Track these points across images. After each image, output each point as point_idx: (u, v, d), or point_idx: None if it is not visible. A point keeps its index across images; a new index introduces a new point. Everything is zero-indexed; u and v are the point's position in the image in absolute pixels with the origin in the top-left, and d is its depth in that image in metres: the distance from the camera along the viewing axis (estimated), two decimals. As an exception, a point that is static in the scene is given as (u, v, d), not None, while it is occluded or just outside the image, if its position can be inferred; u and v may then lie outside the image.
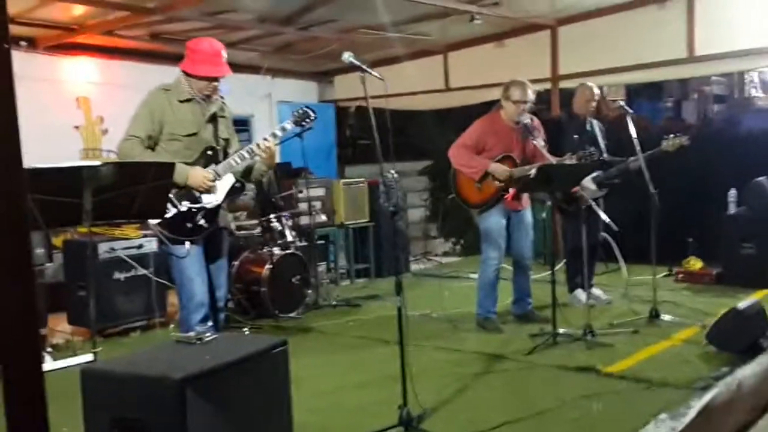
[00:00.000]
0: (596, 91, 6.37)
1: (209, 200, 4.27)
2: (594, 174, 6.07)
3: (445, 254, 10.47)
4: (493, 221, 5.73)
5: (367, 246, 8.61)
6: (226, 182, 4.33)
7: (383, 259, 8.62)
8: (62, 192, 3.10)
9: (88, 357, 3.85)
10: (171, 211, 4.14)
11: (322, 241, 8.15)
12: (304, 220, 7.47)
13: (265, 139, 4.32)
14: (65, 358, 5.22)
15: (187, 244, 4.20)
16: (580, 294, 6.28)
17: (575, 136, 6.19)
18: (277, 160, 9.70)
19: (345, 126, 12.19)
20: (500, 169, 5.59)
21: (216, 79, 4.27)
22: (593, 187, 6.12)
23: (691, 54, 7.93)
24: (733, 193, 7.11)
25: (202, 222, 4.25)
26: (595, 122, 6.50)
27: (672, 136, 5.88)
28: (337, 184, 8.33)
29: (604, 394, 4.09)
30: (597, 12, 8.33)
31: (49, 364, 5.08)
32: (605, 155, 6.28)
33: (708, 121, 11.87)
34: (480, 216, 5.80)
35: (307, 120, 4.54)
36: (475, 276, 7.84)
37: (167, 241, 4.20)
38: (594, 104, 6.38)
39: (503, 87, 5.72)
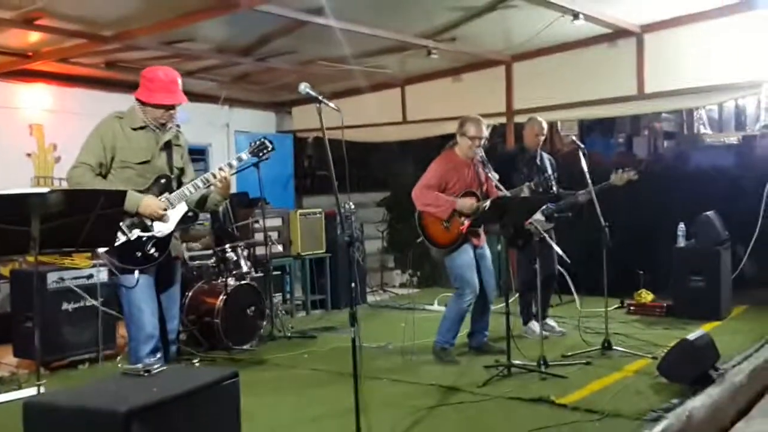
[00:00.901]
0: (544, 125, 6.48)
1: (160, 229, 4.20)
2: (542, 206, 6.17)
3: (402, 286, 10.45)
4: (465, 257, 5.73)
5: (324, 277, 8.56)
6: (179, 211, 4.27)
7: (340, 291, 8.57)
8: (9, 219, 3.04)
9: (33, 391, 3.74)
10: (121, 239, 4.06)
11: (278, 272, 8.09)
12: (260, 251, 7.41)
13: (221, 169, 4.29)
14: (9, 392, 5.07)
15: (137, 273, 4.11)
16: (534, 326, 6.35)
17: (525, 170, 6.31)
18: (234, 190, 9.70)
19: (303, 156, 12.20)
20: (468, 203, 5.62)
21: (172, 107, 4.24)
22: (542, 219, 6.20)
23: (641, 91, 8.16)
24: (682, 227, 7.26)
25: (152, 251, 4.18)
26: (545, 156, 6.62)
27: (621, 170, 6.04)
28: (294, 214, 8.29)
29: (558, 425, 4.11)
30: (550, 49, 8.52)
31: (-8, 398, 4.94)
32: (554, 188, 6.39)
33: (658, 157, 12.20)
34: (449, 255, 5.79)
35: (264, 151, 4.55)
36: (432, 307, 7.91)
37: (116, 270, 4.12)
38: (543, 138, 6.50)
39: (458, 123, 5.79)
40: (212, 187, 4.33)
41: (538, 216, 6.13)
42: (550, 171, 6.48)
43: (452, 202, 5.64)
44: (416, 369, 5.59)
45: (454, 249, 5.73)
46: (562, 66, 8.56)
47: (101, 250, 4.06)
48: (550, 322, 6.56)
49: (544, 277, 6.03)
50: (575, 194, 6.19)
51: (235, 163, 4.42)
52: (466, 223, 5.65)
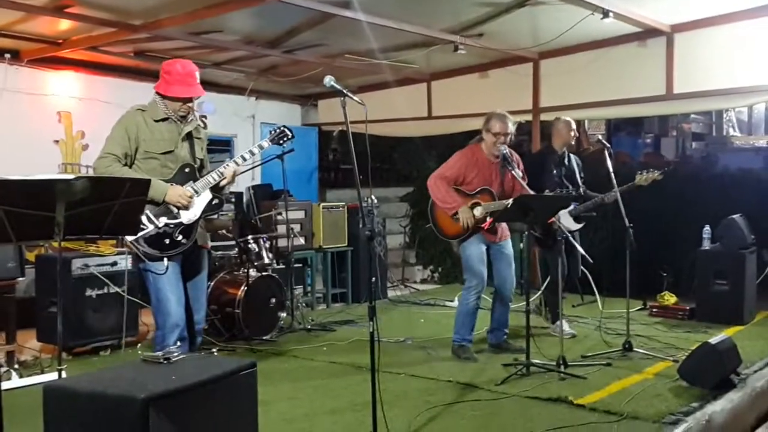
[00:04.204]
0: (573, 125, 6.44)
1: (187, 216, 4.27)
2: (570, 207, 6.13)
3: (423, 281, 10.46)
4: (473, 250, 5.74)
5: (345, 271, 8.59)
6: (204, 198, 4.34)
7: (360, 284, 8.59)
8: (35, 205, 3.06)
9: (55, 375, 3.79)
10: (149, 228, 4.14)
11: (300, 265, 8.11)
12: (282, 243, 7.44)
13: (227, 166, 4.38)
14: (32, 376, 5.15)
15: (165, 260, 4.18)
16: (564, 324, 6.34)
17: (554, 171, 6.29)
18: (257, 181, 9.75)
19: (327, 150, 12.23)
20: (467, 216, 5.60)
21: (190, 100, 4.29)
22: (570, 220, 6.16)
23: (669, 91, 8.06)
24: (707, 229, 7.18)
25: (179, 238, 4.25)
26: (573, 157, 6.57)
27: (645, 170, 5.98)
28: (316, 207, 8.32)
29: (575, 426, 4.09)
30: (579, 47, 8.45)
31: (14, 381, 5.02)
32: (581, 189, 6.36)
33: (686, 158, 12.07)
34: (460, 245, 5.81)
35: (284, 138, 4.64)
36: (452, 304, 7.89)
37: (145, 258, 4.18)
38: (573, 134, 6.46)
39: (484, 119, 5.77)
40: (223, 181, 4.41)
41: (567, 217, 6.10)
42: (577, 173, 6.45)
43: (458, 204, 5.63)
44: (434, 365, 5.58)
45: (463, 240, 5.73)
46: (590, 64, 8.49)
47: (130, 238, 4.12)
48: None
49: (569, 276, 6.05)
50: (602, 196, 6.11)
51: (256, 150, 4.55)
52: (488, 220, 5.63)
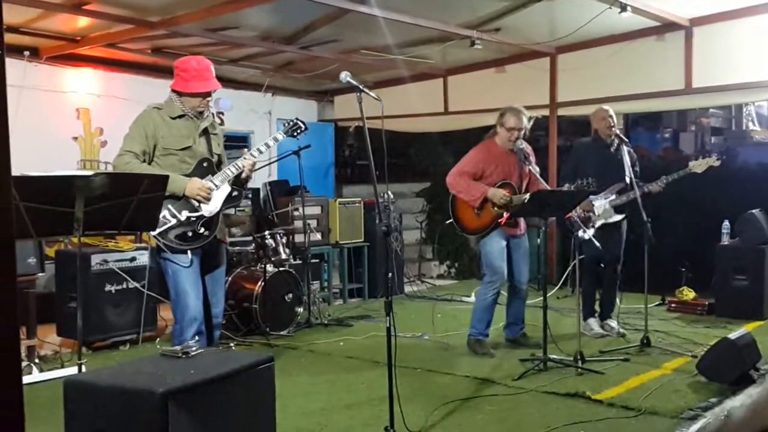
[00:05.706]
0: (611, 111, 6.20)
1: (208, 209, 4.33)
2: (611, 197, 6.05)
3: (440, 277, 10.46)
4: (495, 245, 5.72)
5: (362, 266, 8.60)
6: (223, 191, 4.40)
7: (377, 280, 8.60)
8: (54, 201, 3.10)
9: (75, 369, 3.83)
10: (171, 221, 4.22)
11: (316, 260, 8.14)
12: (299, 238, 7.46)
13: (244, 159, 4.43)
14: (52, 370, 5.21)
15: (189, 253, 4.25)
16: (593, 323, 6.29)
17: (596, 161, 6.10)
18: (274, 177, 9.78)
19: (344, 146, 12.25)
20: (499, 194, 5.59)
21: (208, 95, 4.33)
22: (611, 212, 6.08)
23: (688, 86, 7.99)
24: (726, 224, 7.12)
25: (202, 230, 4.32)
26: (624, 147, 6.10)
27: (701, 156, 5.83)
28: (333, 203, 8.34)
29: (593, 421, 4.08)
30: (596, 41, 8.39)
31: (35, 376, 5.07)
32: (627, 179, 6.03)
33: (705, 153, 11.93)
34: (480, 241, 5.79)
35: (298, 130, 4.70)
36: (469, 299, 7.89)
37: (169, 250, 4.23)
38: (607, 120, 6.14)
39: (498, 113, 5.74)
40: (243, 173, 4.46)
41: (607, 207, 6.04)
42: (626, 163, 6.06)
43: (484, 191, 5.61)
44: (451, 360, 5.58)
45: (484, 235, 5.71)
46: (607, 59, 8.43)
47: (154, 232, 4.17)
48: (611, 323, 6.32)
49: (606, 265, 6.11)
50: (646, 185, 5.88)
51: (271, 143, 4.61)
52: (506, 215, 5.62)
